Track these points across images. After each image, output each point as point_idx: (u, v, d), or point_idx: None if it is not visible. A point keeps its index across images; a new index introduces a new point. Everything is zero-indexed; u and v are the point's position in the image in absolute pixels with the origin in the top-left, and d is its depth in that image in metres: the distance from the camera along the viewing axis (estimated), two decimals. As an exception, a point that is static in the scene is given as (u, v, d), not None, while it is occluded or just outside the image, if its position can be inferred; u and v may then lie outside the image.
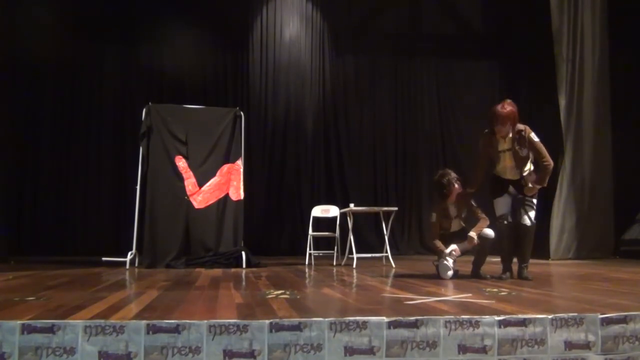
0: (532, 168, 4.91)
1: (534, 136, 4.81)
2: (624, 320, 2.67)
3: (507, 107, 4.76)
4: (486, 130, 4.98)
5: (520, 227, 4.89)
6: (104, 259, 6.89)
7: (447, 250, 4.94)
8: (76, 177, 9.41)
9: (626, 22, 8.84)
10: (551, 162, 4.82)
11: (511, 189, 4.95)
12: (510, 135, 4.82)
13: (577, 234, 8.46)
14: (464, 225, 5.20)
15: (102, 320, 2.46)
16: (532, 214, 4.87)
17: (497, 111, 4.76)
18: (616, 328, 2.65)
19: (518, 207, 4.92)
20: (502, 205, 4.96)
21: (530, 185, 4.81)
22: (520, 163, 4.85)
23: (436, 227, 5.11)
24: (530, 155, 4.86)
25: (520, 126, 4.84)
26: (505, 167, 4.92)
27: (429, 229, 5.25)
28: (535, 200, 4.90)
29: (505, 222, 4.92)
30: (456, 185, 5.00)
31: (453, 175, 5.03)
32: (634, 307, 2.96)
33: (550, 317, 2.62)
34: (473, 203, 5.08)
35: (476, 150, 5.32)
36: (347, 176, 10.16)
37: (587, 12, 8.73)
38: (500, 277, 4.92)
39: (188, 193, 6.75)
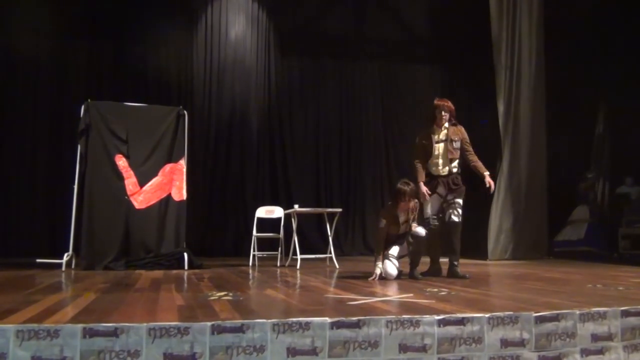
0: (459, 170, 5.33)
1: (465, 132, 5.42)
2: (556, 318, 2.77)
3: (446, 100, 5.39)
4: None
5: (449, 224, 5.19)
6: (38, 260, 6.63)
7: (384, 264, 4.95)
8: (9, 175, 9.02)
9: (561, 29, 9.22)
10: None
11: (440, 189, 5.25)
12: (447, 125, 5.33)
13: (513, 236, 8.75)
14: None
15: (36, 325, 2.36)
16: (459, 211, 5.21)
17: (438, 101, 5.38)
18: (549, 326, 2.75)
19: (447, 208, 5.25)
20: (430, 205, 5.25)
21: (488, 179, 5.21)
22: (452, 155, 5.28)
23: (383, 233, 5.00)
24: (458, 154, 5.30)
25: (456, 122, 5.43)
26: (439, 157, 5.28)
27: (377, 234, 5.11)
28: (461, 201, 5.26)
29: (433, 223, 5.21)
30: (410, 203, 4.92)
31: (412, 189, 4.98)
32: (566, 305, 3.08)
33: (487, 316, 2.69)
34: (417, 212, 5.13)
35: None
36: (291, 177, 10.16)
37: (524, 20, 9.05)
38: (416, 276, 5.02)
39: (128, 193, 6.57)
